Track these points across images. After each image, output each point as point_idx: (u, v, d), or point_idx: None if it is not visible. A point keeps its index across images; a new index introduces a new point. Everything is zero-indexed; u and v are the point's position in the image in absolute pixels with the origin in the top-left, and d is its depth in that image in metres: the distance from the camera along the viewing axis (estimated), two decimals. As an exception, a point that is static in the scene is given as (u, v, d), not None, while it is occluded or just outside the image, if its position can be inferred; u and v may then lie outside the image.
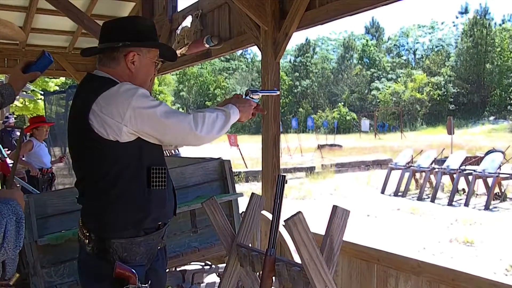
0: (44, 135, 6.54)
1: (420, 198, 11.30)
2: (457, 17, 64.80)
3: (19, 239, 1.41)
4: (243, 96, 2.05)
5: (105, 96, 1.74)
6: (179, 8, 5.85)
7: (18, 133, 9.06)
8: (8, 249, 1.37)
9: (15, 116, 13.88)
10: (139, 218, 1.81)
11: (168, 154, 14.94)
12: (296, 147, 21.87)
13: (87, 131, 1.75)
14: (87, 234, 1.84)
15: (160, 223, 1.90)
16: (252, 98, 2.07)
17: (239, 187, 11.19)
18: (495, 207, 10.20)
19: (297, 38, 77.64)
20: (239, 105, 1.96)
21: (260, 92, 2.14)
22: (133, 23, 1.91)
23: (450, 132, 16.96)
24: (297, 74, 58.54)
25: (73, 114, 1.86)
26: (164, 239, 1.97)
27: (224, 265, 2.60)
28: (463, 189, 11.31)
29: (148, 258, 1.87)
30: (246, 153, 17.77)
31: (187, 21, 5.11)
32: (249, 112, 2.00)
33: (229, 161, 3.71)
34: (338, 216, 1.82)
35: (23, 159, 6.20)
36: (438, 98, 49.94)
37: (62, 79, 19.91)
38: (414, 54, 63.62)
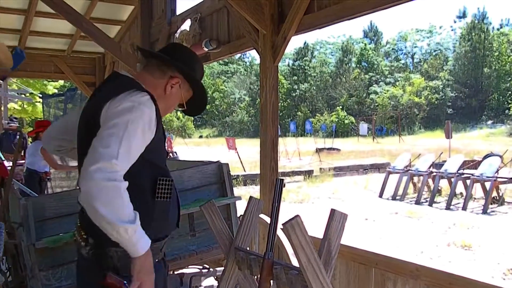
0: None
1: (418, 202, 11.30)
2: (455, 22, 64.67)
3: None
4: None
5: (116, 100, 1.66)
6: (178, 12, 5.87)
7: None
8: None
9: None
10: None
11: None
12: (294, 151, 21.87)
13: (97, 129, 1.65)
14: (85, 236, 1.76)
15: (160, 236, 1.82)
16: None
17: (237, 191, 11.18)
18: (493, 211, 10.20)
19: (296, 42, 77.60)
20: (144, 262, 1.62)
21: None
22: (194, 58, 2.00)
23: (448, 136, 16.99)
24: (295, 77, 58.56)
25: (87, 107, 1.79)
26: (163, 251, 1.90)
27: (222, 268, 2.60)
28: (461, 193, 11.32)
29: None
30: (244, 156, 17.76)
31: (186, 25, 5.12)
32: (147, 272, 1.63)
33: (227, 164, 3.70)
34: (336, 219, 1.82)
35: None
36: (436, 102, 50.03)
37: (61, 82, 19.95)
38: (412, 58, 63.76)
